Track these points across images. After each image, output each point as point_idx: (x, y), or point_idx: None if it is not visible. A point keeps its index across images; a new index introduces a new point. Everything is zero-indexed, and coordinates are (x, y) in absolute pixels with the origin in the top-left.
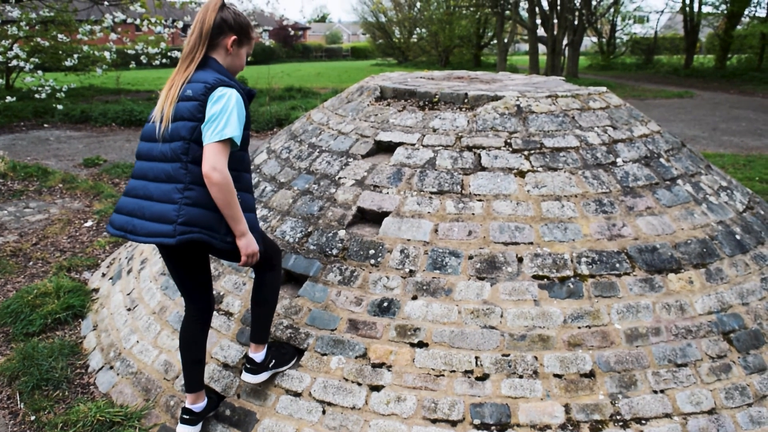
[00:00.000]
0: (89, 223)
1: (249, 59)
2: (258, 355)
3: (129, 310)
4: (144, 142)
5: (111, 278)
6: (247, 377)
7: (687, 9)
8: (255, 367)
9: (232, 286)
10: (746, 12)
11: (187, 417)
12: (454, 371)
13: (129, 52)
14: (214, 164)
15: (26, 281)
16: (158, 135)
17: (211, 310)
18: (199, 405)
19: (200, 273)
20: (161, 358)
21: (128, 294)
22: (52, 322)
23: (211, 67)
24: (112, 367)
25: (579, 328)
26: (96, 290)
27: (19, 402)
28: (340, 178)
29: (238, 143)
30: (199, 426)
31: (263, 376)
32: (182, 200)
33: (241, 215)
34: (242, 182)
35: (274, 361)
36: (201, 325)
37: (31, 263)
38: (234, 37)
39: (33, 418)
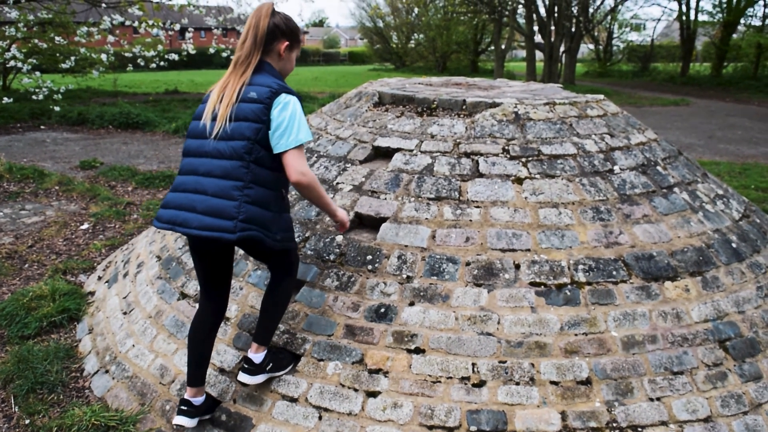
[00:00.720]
0: (85, 226)
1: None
2: (257, 356)
3: (125, 313)
4: (192, 139)
5: (107, 281)
6: (243, 377)
7: (683, 17)
8: (253, 368)
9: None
10: (742, 21)
11: (185, 408)
12: (450, 378)
13: (126, 54)
14: (300, 169)
15: (22, 284)
16: (211, 133)
17: (224, 311)
18: (199, 399)
19: (228, 271)
20: (157, 363)
21: (124, 297)
22: (47, 325)
23: (267, 71)
24: (107, 371)
25: (576, 335)
26: (92, 293)
27: (13, 405)
28: (338, 183)
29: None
30: (195, 420)
31: (260, 378)
32: (242, 198)
33: (329, 199)
34: (284, 183)
35: (271, 364)
36: (212, 324)
37: (26, 266)
38: (286, 42)
39: (27, 421)
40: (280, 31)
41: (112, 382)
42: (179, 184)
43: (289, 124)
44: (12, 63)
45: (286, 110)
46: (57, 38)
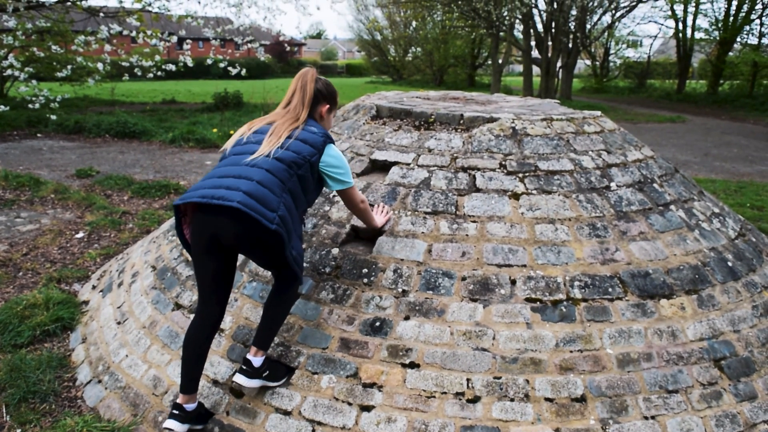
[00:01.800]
0: (80, 235)
1: (245, 74)
2: (256, 359)
3: (119, 323)
4: (235, 148)
5: (101, 291)
6: (240, 378)
7: (680, 35)
8: (251, 371)
9: None
10: (738, 39)
11: (176, 412)
12: (445, 393)
13: (124, 64)
14: (361, 198)
15: (15, 292)
16: (256, 156)
17: (221, 320)
18: (191, 405)
19: (231, 276)
20: (150, 373)
21: (118, 307)
22: (40, 334)
23: (312, 126)
24: (100, 381)
25: (571, 352)
26: (86, 302)
27: (5, 414)
28: (334, 195)
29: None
30: (186, 427)
31: (255, 383)
32: (282, 198)
33: (373, 216)
34: (304, 209)
35: (268, 372)
36: (209, 332)
37: (20, 274)
38: (327, 105)
39: (19, 431)
40: (322, 95)
41: (105, 392)
42: (216, 174)
43: (345, 170)
44: (9, 71)
45: (338, 159)
46: (54, 47)
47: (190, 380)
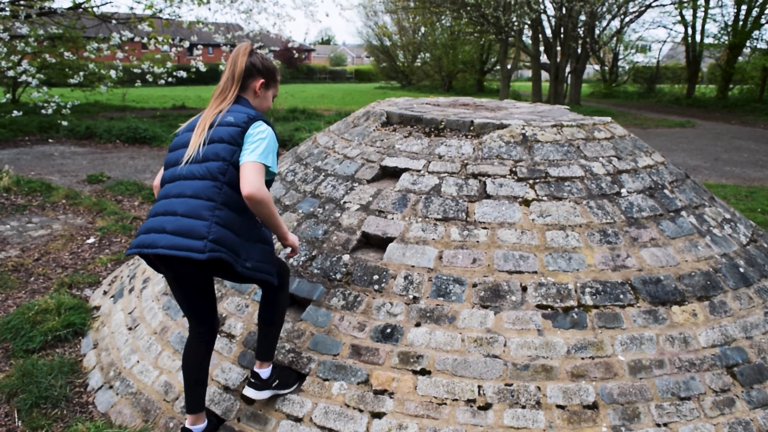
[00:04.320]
0: (91, 240)
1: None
2: (263, 371)
3: (130, 329)
4: (167, 169)
5: (112, 296)
6: (249, 392)
7: (689, 40)
8: (259, 383)
9: (235, 308)
10: (748, 44)
11: None
12: (456, 400)
13: (135, 70)
14: (255, 183)
15: (27, 297)
16: (186, 159)
17: (216, 331)
18: (199, 426)
19: (207, 295)
20: (161, 379)
21: (129, 313)
22: (52, 339)
23: (243, 105)
24: (111, 387)
25: (582, 358)
26: (97, 308)
27: (17, 419)
28: (345, 202)
29: (275, 172)
30: None
31: (265, 394)
32: (213, 218)
33: (280, 221)
34: None
35: (277, 381)
36: (205, 347)
37: (32, 279)
38: (262, 80)
39: None
40: (257, 69)
41: (116, 398)
42: (152, 212)
43: (259, 145)
44: (23, 77)
45: (261, 134)
46: (66, 53)
47: (194, 400)
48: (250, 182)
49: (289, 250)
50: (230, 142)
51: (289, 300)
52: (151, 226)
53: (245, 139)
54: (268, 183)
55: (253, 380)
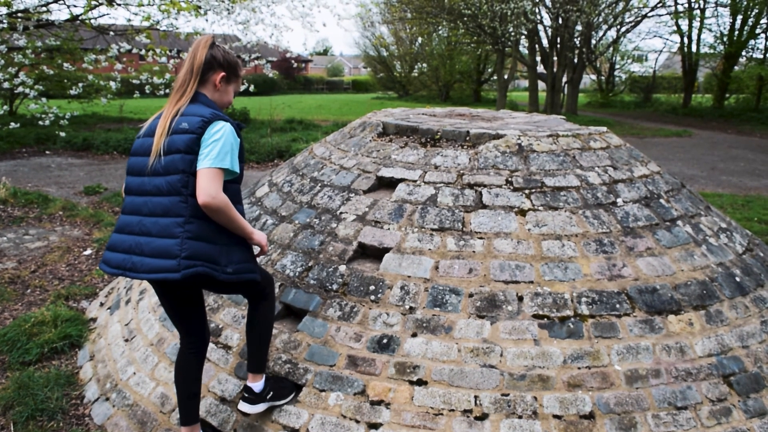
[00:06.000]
0: (88, 252)
1: (252, 90)
2: (256, 384)
3: (126, 341)
4: (133, 176)
5: (109, 308)
6: (243, 407)
7: (685, 49)
8: (253, 397)
9: (231, 319)
10: (743, 53)
11: None
12: (453, 410)
13: (134, 81)
14: (209, 191)
15: (24, 309)
16: (150, 169)
17: (207, 343)
18: None
19: (196, 306)
20: (158, 391)
21: (126, 324)
22: (48, 351)
23: (201, 101)
24: (108, 399)
25: (579, 368)
26: (93, 320)
27: None
28: (341, 213)
29: (237, 171)
30: None
31: (260, 407)
32: (184, 234)
33: (244, 222)
34: (231, 193)
35: (272, 393)
36: (197, 359)
37: (29, 291)
38: (223, 73)
39: None
40: (217, 62)
41: (113, 410)
42: (124, 225)
43: (213, 148)
44: (21, 89)
45: (215, 136)
46: (65, 65)
47: (188, 412)
48: (204, 190)
49: (258, 249)
50: (187, 151)
51: (275, 310)
52: (130, 246)
53: (201, 143)
54: (233, 183)
55: (246, 395)
